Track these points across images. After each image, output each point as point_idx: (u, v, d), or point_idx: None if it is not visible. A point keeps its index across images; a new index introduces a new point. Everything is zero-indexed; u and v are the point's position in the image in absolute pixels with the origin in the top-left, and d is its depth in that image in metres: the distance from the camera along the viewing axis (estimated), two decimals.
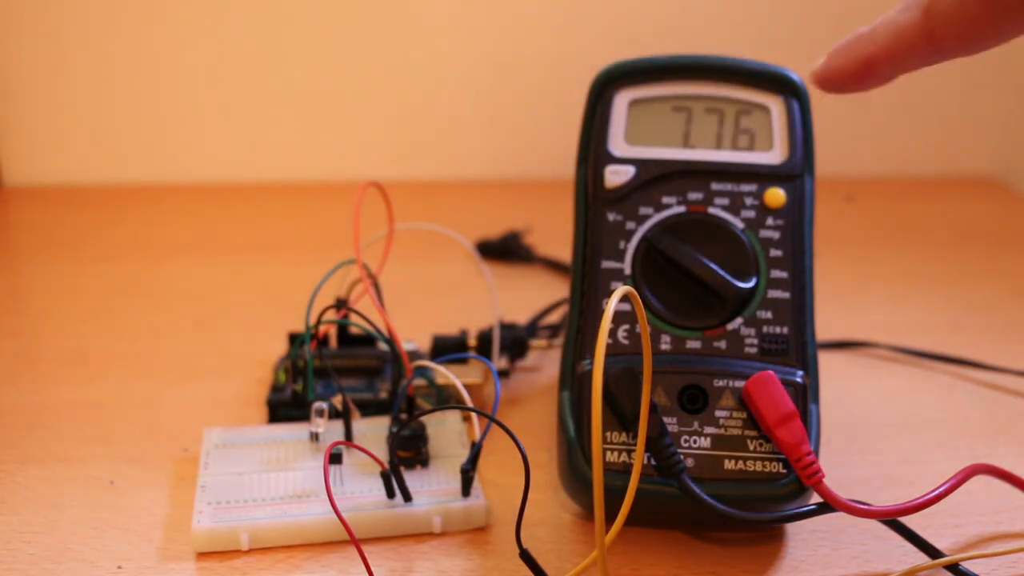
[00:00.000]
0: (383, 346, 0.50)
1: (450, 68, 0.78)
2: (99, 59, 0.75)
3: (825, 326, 0.52)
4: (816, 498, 0.37)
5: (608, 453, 0.38)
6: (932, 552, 0.39)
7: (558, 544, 0.40)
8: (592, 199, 0.43)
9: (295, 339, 0.51)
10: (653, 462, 0.38)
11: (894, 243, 0.71)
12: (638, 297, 0.34)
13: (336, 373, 0.49)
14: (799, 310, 0.41)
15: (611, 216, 0.42)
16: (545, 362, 0.54)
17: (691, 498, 0.37)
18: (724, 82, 0.43)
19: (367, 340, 0.51)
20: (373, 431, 0.44)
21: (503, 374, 0.51)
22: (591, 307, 0.41)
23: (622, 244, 0.42)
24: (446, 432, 0.45)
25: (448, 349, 0.50)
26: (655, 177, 0.43)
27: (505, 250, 0.67)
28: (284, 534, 0.39)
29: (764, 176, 0.43)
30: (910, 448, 0.47)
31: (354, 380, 0.49)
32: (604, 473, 0.32)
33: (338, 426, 0.44)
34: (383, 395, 0.48)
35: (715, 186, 0.42)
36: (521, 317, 0.55)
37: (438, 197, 0.77)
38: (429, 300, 0.60)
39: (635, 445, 0.38)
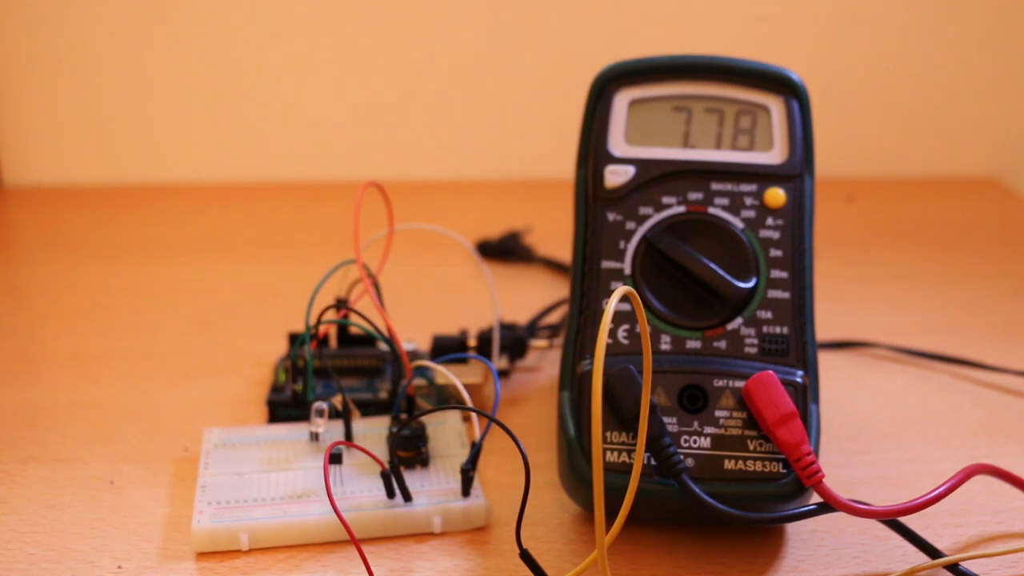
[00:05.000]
0: (383, 346, 0.50)
1: (450, 68, 0.78)
2: (99, 59, 0.75)
3: (825, 326, 0.52)
4: (816, 498, 0.38)
5: (608, 453, 0.38)
6: (932, 552, 0.39)
7: (558, 544, 0.40)
8: (592, 199, 0.43)
9: (295, 339, 0.51)
10: (653, 462, 0.38)
11: (894, 243, 0.71)
12: (638, 297, 0.34)
13: (336, 373, 0.49)
14: (799, 310, 0.41)
15: (611, 216, 0.42)
16: (545, 362, 0.54)
17: (691, 498, 0.37)
18: (724, 82, 0.44)
19: (367, 340, 0.51)
20: (373, 431, 0.44)
21: (503, 374, 0.51)
22: (591, 307, 0.41)
23: (622, 244, 0.42)
24: (446, 432, 0.45)
25: (448, 349, 0.50)
26: (655, 177, 0.43)
27: (505, 250, 0.67)
28: (284, 534, 0.39)
29: (764, 176, 0.43)
30: (910, 448, 0.47)
31: (354, 380, 0.49)
32: (604, 473, 0.32)
33: (338, 426, 0.44)
34: (383, 395, 0.48)
35: (715, 186, 0.42)
36: (521, 317, 0.55)
37: (438, 197, 0.77)
38: (429, 300, 0.60)
39: (635, 445, 0.38)
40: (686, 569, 0.39)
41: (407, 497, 0.40)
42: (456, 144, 0.81)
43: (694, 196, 0.42)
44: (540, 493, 0.43)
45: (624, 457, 0.38)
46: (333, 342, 0.52)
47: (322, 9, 0.76)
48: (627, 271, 0.42)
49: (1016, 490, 0.42)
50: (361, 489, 0.41)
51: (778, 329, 0.41)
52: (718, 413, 0.39)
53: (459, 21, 0.77)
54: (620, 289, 0.32)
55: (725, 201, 0.42)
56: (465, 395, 0.43)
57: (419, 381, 0.47)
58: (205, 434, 0.44)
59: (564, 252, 0.54)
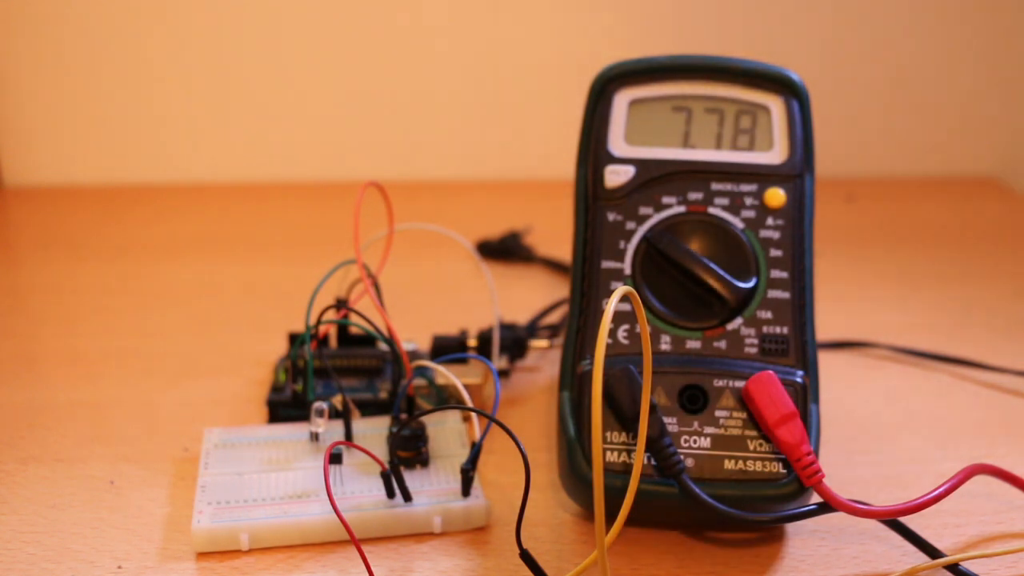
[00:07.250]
0: (383, 346, 0.50)
1: (450, 68, 0.78)
2: (99, 59, 0.75)
3: (825, 326, 0.52)
4: (816, 498, 0.38)
5: (608, 453, 0.38)
6: (932, 552, 0.39)
7: (558, 544, 0.40)
8: (592, 199, 0.43)
9: (295, 339, 0.51)
10: (653, 462, 0.38)
11: (894, 243, 0.71)
12: (638, 297, 0.34)
13: (336, 373, 0.49)
14: (799, 310, 0.41)
15: (611, 216, 0.42)
16: (545, 362, 0.54)
17: (691, 498, 0.37)
18: (724, 82, 0.43)
19: (367, 340, 0.51)
20: (373, 431, 0.44)
21: (503, 374, 0.51)
22: (591, 307, 0.41)
23: (622, 244, 0.42)
24: (446, 432, 0.45)
25: (448, 349, 0.50)
26: (655, 177, 0.43)
27: (505, 250, 0.67)
28: (284, 534, 0.39)
29: (764, 176, 0.43)
30: (910, 448, 0.47)
31: (354, 380, 0.49)
32: (604, 473, 0.32)
33: (338, 426, 0.44)
34: (383, 395, 0.48)
35: (715, 186, 0.42)
36: (521, 317, 0.55)
37: (438, 197, 0.77)
38: (429, 300, 0.60)
39: (635, 445, 0.38)
40: (686, 569, 0.39)
41: (407, 497, 0.40)
42: (456, 144, 0.81)
43: (694, 196, 0.42)
44: (540, 493, 0.43)
45: (624, 457, 0.38)
46: (333, 342, 0.52)
47: (322, 9, 0.76)
48: (627, 271, 0.42)
49: (1016, 490, 0.42)
50: (361, 489, 0.41)
51: (778, 329, 0.41)
52: (718, 413, 0.39)
53: (459, 21, 0.77)
54: (620, 289, 0.32)
55: (725, 201, 0.42)
56: (465, 395, 0.43)
57: (419, 381, 0.47)
58: (205, 434, 0.44)
59: (564, 252, 0.54)
